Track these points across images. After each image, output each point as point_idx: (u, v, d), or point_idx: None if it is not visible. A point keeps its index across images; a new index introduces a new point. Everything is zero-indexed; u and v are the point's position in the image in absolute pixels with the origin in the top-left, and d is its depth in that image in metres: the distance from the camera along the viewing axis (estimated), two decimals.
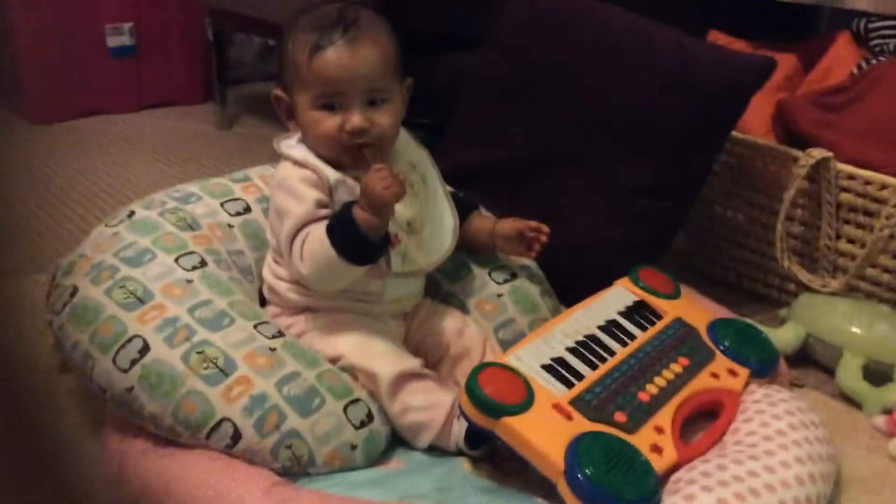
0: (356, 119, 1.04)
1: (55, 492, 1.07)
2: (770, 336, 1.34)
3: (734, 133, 1.52)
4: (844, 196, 1.39)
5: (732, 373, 1.15)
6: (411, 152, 1.17)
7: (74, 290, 1.06)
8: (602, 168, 1.38)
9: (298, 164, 1.07)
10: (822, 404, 1.27)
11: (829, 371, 1.32)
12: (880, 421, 1.20)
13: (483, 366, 1.00)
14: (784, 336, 1.35)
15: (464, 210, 1.22)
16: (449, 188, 1.22)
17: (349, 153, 1.06)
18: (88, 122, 2.57)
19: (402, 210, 1.10)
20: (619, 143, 1.36)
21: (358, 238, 1.00)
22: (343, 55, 1.03)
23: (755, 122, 1.60)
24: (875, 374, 1.28)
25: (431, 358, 1.17)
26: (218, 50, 2.54)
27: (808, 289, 1.42)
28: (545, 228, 1.19)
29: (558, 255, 1.37)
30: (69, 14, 2.51)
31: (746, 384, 1.15)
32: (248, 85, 2.95)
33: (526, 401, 0.97)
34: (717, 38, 1.70)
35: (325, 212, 1.04)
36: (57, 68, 2.53)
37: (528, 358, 1.05)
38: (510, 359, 1.04)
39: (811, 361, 1.38)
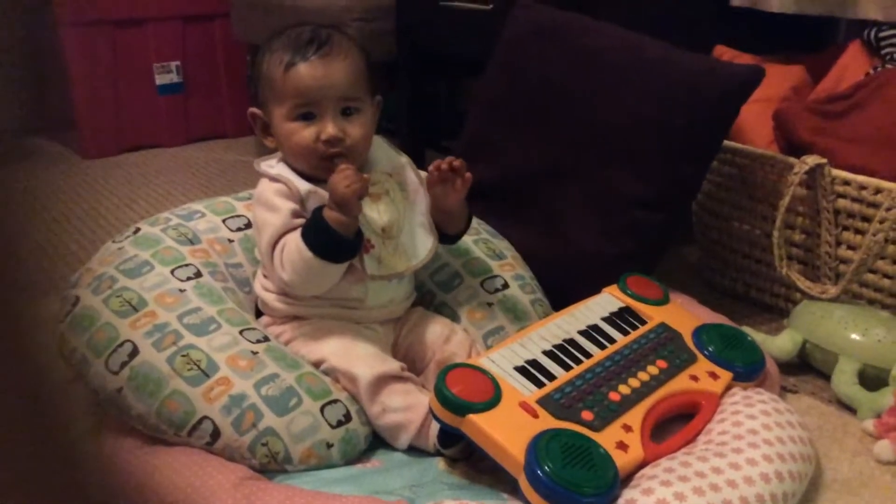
0: (330, 128, 1.10)
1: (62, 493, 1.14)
2: (767, 343, 1.35)
3: (734, 144, 1.53)
4: (841, 202, 1.39)
5: (713, 375, 1.15)
6: (387, 161, 1.21)
7: (76, 300, 1.13)
8: (597, 182, 1.40)
9: (273, 179, 1.13)
10: (815, 409, 1.26)
11: (828, 378, 1.31)
12: (869, 424, 1.19)
13: (452, 366, 1.03)
14: (780, 343, 1.34)
15: None
16: None
17: (323, 165, 1.11)
18: (137, 156, 2.70)
19: (376, 216, 1.15)
20: (612, 158, 1.38)
21: (330, 235, 1.05)
22: (317, 68, 1.10)
23: (760, 134, 1.60)
24: (871, 380, 1.26)
25: (419, 364, 1.20)
26: None
27: (808, 296, 1.42)
28: (458, 162, 1.14)
29: (556, 266, 1.41)
30: (120, 55, 2.66)
31: (728, 387, 1.15)
32: None
33: (492, 399, 0.99)
34: (723, 53, 1.71)
35: (299, 221, 1.10)
36: (108, 106, 2.67)
37: (502, 360, 1.08)
38: (483, 360, 1.07)
39: (812, 369, 1.37)
